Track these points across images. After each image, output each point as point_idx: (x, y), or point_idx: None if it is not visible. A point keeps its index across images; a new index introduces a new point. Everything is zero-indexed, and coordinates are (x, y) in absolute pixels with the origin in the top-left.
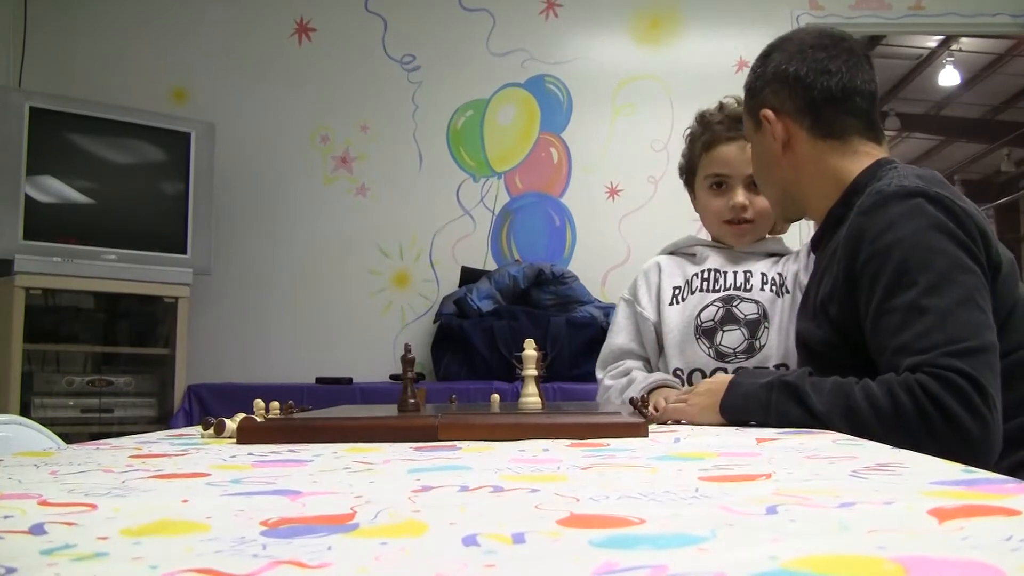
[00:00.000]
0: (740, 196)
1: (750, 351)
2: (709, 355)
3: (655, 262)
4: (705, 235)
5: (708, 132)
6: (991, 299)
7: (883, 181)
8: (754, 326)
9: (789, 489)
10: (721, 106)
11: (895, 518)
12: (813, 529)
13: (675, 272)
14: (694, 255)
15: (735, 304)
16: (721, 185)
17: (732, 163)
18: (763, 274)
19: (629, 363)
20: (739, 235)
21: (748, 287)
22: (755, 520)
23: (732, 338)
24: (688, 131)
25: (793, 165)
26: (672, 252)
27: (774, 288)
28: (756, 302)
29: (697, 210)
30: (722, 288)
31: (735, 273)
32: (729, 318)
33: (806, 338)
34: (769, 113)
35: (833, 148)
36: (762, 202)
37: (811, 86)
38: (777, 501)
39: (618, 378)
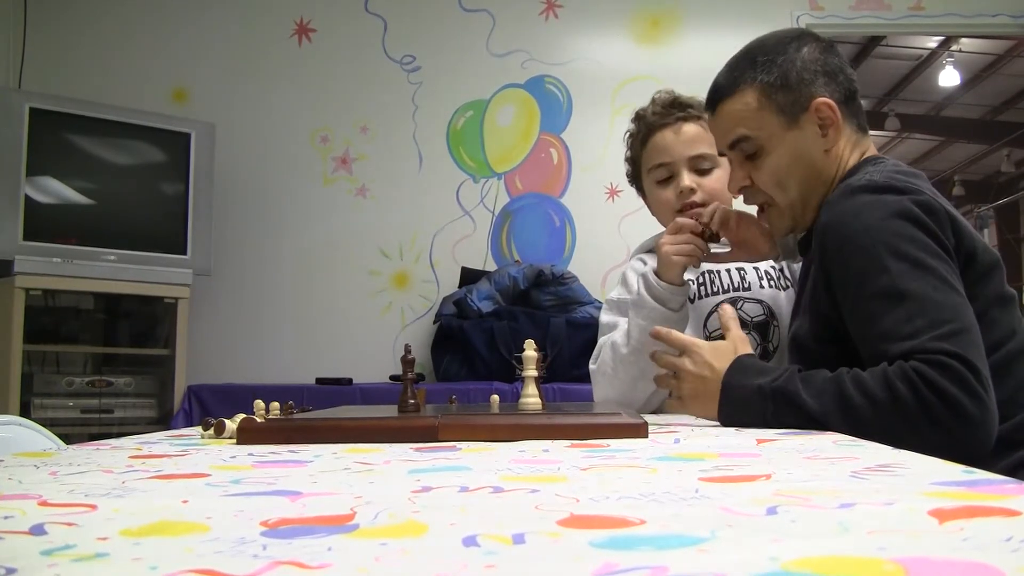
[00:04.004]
0: (685, 179)
1: (764, 356)
2: None
3: (640, 260)
4: None
5: (643, 125)
6: (966, 289)
7: (855, 176)
8: (763, 328)
9: (789, 490)
10: (653, 100)
11: (895, 519)
12: (813, 530)
13: None
14: None
15: (740, 306)
16: (668, 179)
17: (671, 148)
18: (756, 268)
19: None
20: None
21: (747, 285)
22: (755, 521)
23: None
24: (626, 132)
25: (835, 161)
26: (652, 250)
27: (772, 283)
28: (760, 301)
29: (651, 211)
30: (720, 290)
31: (729, 271)
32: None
33: (798, 336)
34: (831, 103)
35: (866, 141)
36: (711, 183)
37: (850, 78)
38: (777, 502)
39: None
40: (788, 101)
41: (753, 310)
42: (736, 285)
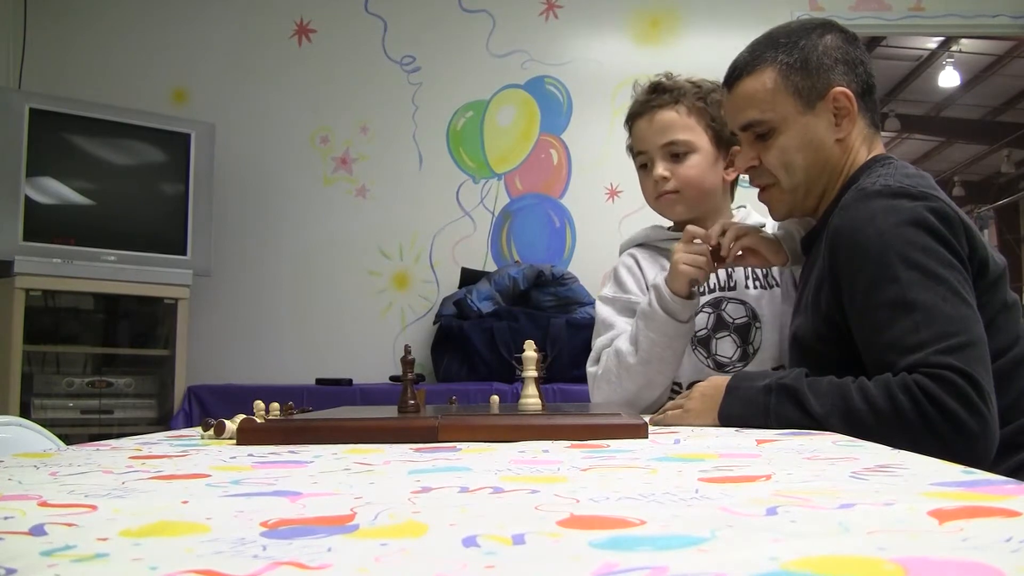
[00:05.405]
0: (659, 169)
1: (745, 358)
2: (708, 366)
3: (630, 256)
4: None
5: (629, 112)
6: (977, 298)
7: (870, 179)
8: (744, 331)
9: (789, 490)
10: (636, 86)
11: (895, 519)
12: (813, 530)
13: (655, 269)
14: (667, 251)
15: (723, 307)
16: (648, 167)
17: (645, 136)
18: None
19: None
20: (668, 206)
21: (732, 284)
22: (755, 521)
23: (726, 346)
24: None
25: (845, 153)
26: (641, 244)
27: (758, 282)
28: (743, 303)
29: None
30: (706, 289)
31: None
32: (720, 324)
33: (799, 335)
34: (849, 92)
35: (877, 139)
36: (685, 170)
37: (870, 72)
38: (777, 502)
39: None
40: (806, 85)
41: (735, 311)
42: (722, 284)
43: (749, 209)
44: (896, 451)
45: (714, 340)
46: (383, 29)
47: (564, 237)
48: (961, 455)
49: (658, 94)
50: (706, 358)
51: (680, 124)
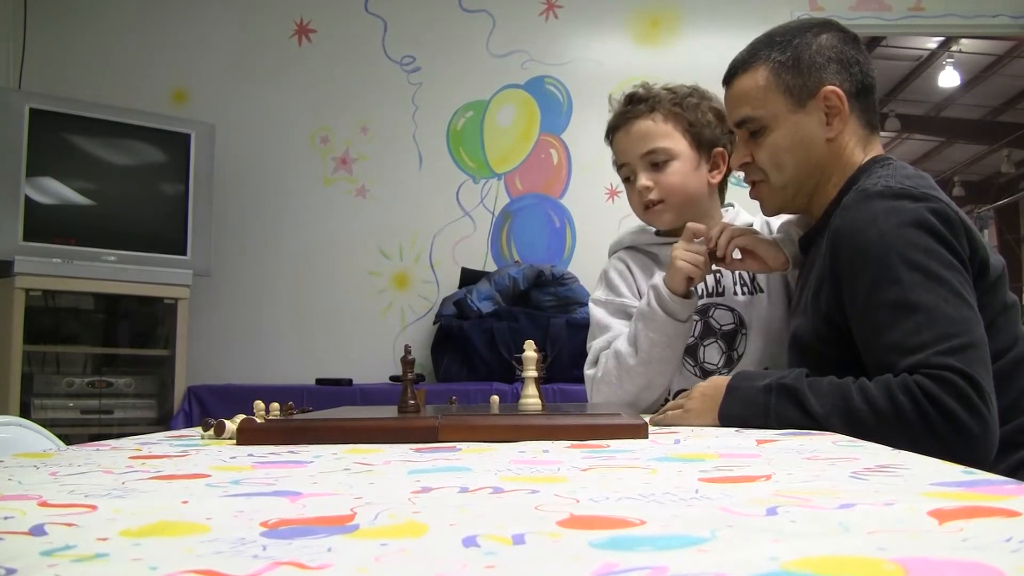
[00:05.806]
0: (642, 179)
1: (729, 364)
2: (695, 374)
3: (619, 260)
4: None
5: (608, 126)
6: (977, 299)
7: (871, 179)
8: (730, 337)
9: (789, 490)
10: (610, 99)
11: (895, 519)
12: (813, 530)
13: (646, 275)
14: (656, 255)
15: (711, 313)
16: (629, 177)
17: (625, 149)
18: (732, 271)
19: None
20: (656, 217)
21: (721, 290)
22: (755, 521)
23: (712, 353)
24: None
25: (837, 152)
26: (630, 247)
27: (745, 288)
28: (731, 309)
29: None
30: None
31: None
32: (707, 331)
33: (799, 335)
34: (840, 92)
35: (875, 140)
36: (667, 177)
37: (867, 72)
38: (777, 502)
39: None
40: (797, 83)
41: (723, 318)
42: (711, 290)
43: (738, 208)
44: (896, 451)
45: (701, 347)
46: (383, 29)
47: (564, 237)
48: (961, 456)
49: (633, 105)
50: (693, 366)
51: (657, 132)
